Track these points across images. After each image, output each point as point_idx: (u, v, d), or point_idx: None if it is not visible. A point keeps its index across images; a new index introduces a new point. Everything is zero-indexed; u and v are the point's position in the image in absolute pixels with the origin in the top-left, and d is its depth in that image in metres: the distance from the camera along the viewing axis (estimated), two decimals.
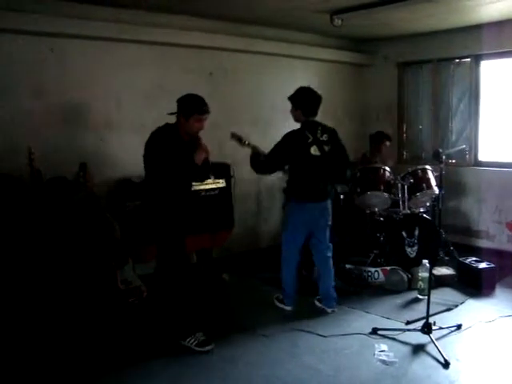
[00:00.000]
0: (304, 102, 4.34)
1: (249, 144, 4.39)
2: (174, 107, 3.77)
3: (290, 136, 4.31)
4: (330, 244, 4.56)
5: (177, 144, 3.67)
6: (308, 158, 4.27)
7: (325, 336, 3.99)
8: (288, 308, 4.52)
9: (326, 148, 4.32)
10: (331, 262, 4.55)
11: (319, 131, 4.31)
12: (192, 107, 3.67)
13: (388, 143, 6.10)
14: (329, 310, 4.47)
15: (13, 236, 4.00)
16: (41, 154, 4.25)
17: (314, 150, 4.27)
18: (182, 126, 3.72)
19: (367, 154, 6.14)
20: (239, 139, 4.41)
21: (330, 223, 4.52)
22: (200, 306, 4.26)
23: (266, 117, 6.31)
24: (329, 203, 4.47)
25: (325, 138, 4.32)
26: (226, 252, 5.80)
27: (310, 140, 4.26)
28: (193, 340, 3.81)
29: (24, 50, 4.53)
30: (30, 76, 4.58)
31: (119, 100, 5.13)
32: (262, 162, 4.34)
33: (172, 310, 3.89)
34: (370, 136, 6.22)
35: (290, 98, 4.40)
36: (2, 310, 3.81)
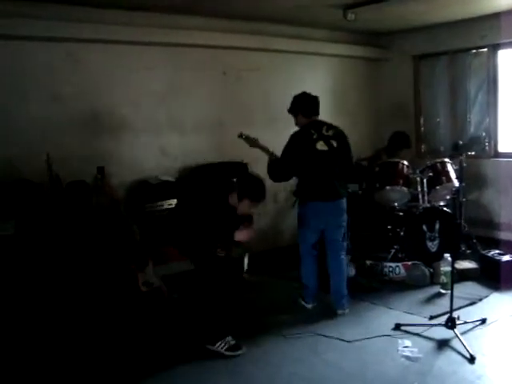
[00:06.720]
0: (301, 104, 4.35)
1: (257, 143, 4.39)
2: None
3: (295, 135, 4.31)
4: (344, 243, 4.45)
5: None
6: (315, 154, 4.21)
7: (348, 334, 3.95)
8: (308, 306, 4.49)
9: (334, 143, 4.25)
10: (343, 261, 4.44)
11: (324, 128, 4.28)
12: None
13: (406, 151, 5.79)
14: (338, 312, 4.34)
15: (34, 241, 4.05)
16: (59, 158, 4.29)
17: (320, 145, 4.22)
18: None
19: (382, 154, 5.83)
20: (247, 139, 4.40)
21: (344, 223, 4.39)
22: (230, 309, 4.06)
23: (280, 116, 6.17)
24: (343, 202, 4.35)
25: (331, 133, 4.28)
26: (247, 251, 5.77)
27: (314, 136, 4.22)
28: (223, 344, 3.70)
29: (40, 55, 4.60)
30: (47, 81, 4.64)
31: (135, 102, 5.15)
32: (276, 168, 4.30)
33: (201, 312, 3.82)
34: (390, 136, 5.86)
35: (289, 110, 4.40)
36: (21, 315, 3.86)
